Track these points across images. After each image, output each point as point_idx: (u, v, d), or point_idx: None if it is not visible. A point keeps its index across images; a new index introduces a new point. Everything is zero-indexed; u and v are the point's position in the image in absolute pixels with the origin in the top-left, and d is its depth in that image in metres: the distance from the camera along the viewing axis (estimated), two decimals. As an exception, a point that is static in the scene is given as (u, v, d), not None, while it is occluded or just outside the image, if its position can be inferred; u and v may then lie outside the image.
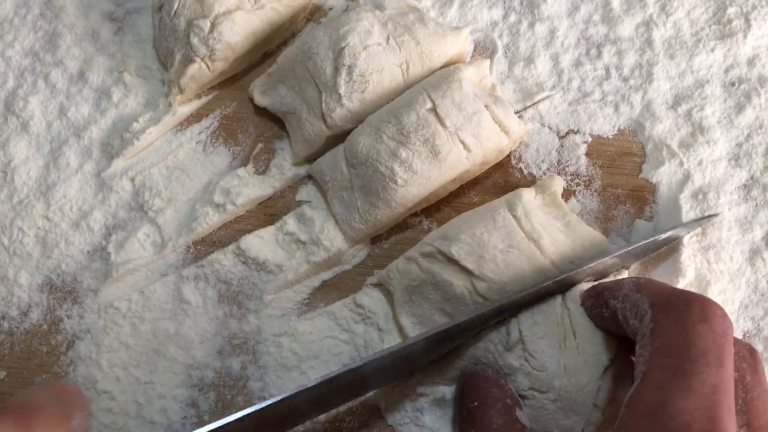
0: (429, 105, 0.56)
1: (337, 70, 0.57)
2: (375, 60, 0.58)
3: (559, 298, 0.52)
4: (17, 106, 0.63)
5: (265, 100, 0.62)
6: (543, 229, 0.53)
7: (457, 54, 0.61)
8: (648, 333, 0.42)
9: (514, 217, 0.54)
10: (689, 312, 0.41)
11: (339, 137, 0.59)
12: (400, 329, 0.56)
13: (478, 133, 0.57)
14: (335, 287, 0.59)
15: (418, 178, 0.56)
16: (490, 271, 0.51)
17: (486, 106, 0.57)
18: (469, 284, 0.52)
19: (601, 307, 0.49)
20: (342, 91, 0.57)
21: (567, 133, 0.63)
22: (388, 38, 0.59)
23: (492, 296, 0.51)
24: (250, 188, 0.60)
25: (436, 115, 0.56)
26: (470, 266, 0.52)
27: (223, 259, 0.59)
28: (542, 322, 0.50)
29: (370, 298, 0.58)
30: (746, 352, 0.46)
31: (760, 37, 0.66)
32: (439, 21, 0.65)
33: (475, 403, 0.49)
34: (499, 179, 0.62)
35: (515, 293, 0.51)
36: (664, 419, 0.38)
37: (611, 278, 0.55)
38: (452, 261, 0.52)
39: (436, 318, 0.54)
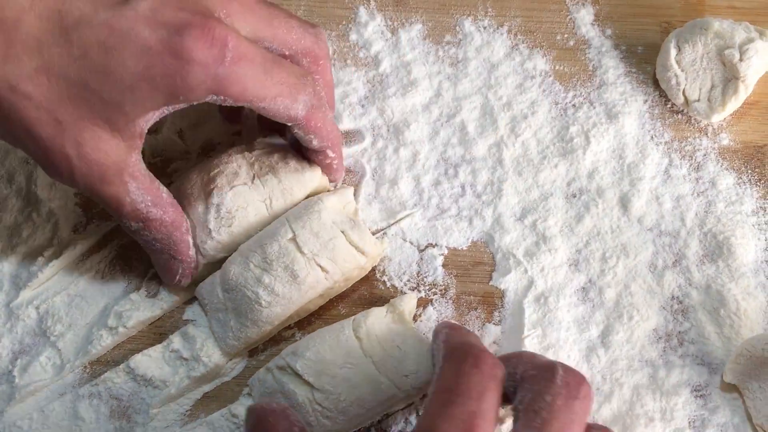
0: (290, 235, 0.64)
1: (207, 208, 0.66)
2: (240, 198, 0.66)
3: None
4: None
5: (156, 230, 0.70)
6: (382, 348, 0.61)
7: (320, 185, 0.70)
8: (435, 378, 0.53)
9: (357, 337, 0.61)
10: (465, 360, 0.52)
11: (216, 264, 0.67)
12: (260, 434, 0.62)
13: (334, 257, 0.65)
14: (215, 398, 0.66)
15: (281, 299, 0.63)
16: (327, 383, 0.59)
17: (343, 232, 0.66)
18: (309, 394, 0.60)
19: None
20: (212, 226, 0.66)
21: (426, 247, 0.71)
22: (253, 178, 0.67)
23: (328, 405, 0.59)
24: (140, 311, 0.68)
25: (296, 243, 0.64)
26: (310, 380, 0.59)
27: (115, 378, 0.66)
28: None
29: (244, 407, 0.64)
30: None
31: (598, 152, 0.74)
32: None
33: None
34: (365, 292, 0.70)
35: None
36: None
37: None
38: (298, 374, 0.60)
39: (284, 423, 0.61)
